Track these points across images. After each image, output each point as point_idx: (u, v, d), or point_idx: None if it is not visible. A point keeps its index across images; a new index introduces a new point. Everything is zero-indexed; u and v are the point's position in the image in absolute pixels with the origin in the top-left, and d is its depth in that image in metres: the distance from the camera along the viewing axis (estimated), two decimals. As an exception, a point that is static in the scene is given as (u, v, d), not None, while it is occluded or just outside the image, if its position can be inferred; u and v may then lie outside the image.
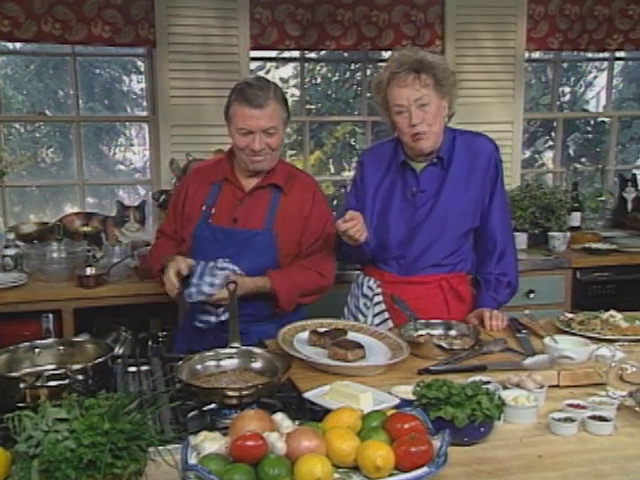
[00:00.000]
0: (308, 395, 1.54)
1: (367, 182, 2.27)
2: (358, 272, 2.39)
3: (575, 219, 3.95)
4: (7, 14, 3.33)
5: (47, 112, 4.95)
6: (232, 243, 2.17)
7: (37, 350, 1.76)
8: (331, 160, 5.68)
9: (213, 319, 2.08)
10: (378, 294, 2.25)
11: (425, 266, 2.20)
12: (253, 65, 4.03)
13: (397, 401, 1.49)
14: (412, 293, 2.17)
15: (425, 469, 1.18)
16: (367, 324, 2.17)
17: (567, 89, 5.96)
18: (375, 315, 2.23)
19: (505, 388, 1.57)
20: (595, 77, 5.94)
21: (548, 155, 5.59)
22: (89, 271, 3.00)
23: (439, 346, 1.89)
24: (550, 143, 5.44)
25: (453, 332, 2.04)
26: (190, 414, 1.51)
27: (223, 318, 2.06)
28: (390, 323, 2.20)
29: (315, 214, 2.23)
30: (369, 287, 2.27)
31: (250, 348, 1.74)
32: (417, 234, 2.18)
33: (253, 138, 2.10)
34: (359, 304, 2.29)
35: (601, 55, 4.48)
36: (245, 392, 1.48)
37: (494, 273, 2.24)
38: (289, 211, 2.19)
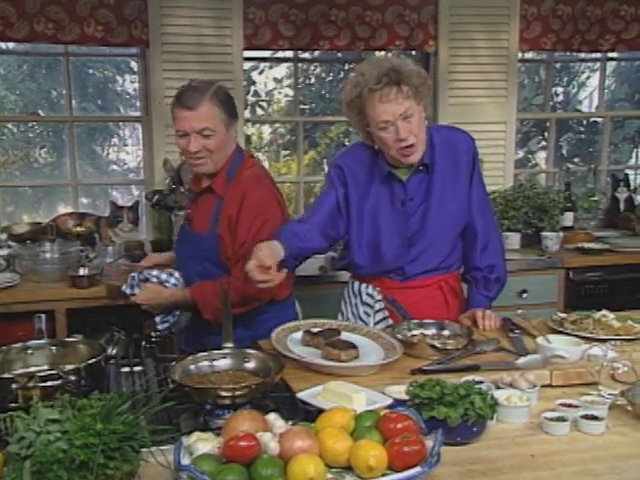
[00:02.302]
0: (301, 395, 1.54)
1: (349, 179, 2.17)
2: (352, 280, 2.29)
3: (568, 219, 3.96)
4: (-1, 14, 3.32)
5: (40, 112, 4.92)
6: (189, 244, 2.27)
7: (30, 351, 1.76)
8: (325, 160, 5.66)
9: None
10: (380, 301, 2.20)
11: (423, 271, 2.17)
12: (247, 65, 4.02)
13: (390, 401, 1.49)
14: (413, 297, 2.14)
15: (418, 469, 1.18)
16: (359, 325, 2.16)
17: (560, 89, 5.96)
18: (377, 322, 2.19)
19: (498, 388, 1.57)
20: (588, 77, 5.94)
21: (541, 155, 5.58)
22: (82, 271, 3.00)
23: (432, 346, 1.90)
24: (543, 143, 5.43)
25: (446, 332, 2.04)
26: (183, 414, 1.51)
27: (160, 327, 2.22)
28: None
29: (241, 219, 2.11)
30: (369, 294, 2.21)
31: (243, 349, 1.74)
32: (413, 244, 2.14)
33: (189, 140, 2.09)
34: (358, 312, 2.23)
35: (594, 55, 4.50)
36: (238, 392, 1.48)
37: (481, 269, 2.21)
38: (226, 214, 2.15)
